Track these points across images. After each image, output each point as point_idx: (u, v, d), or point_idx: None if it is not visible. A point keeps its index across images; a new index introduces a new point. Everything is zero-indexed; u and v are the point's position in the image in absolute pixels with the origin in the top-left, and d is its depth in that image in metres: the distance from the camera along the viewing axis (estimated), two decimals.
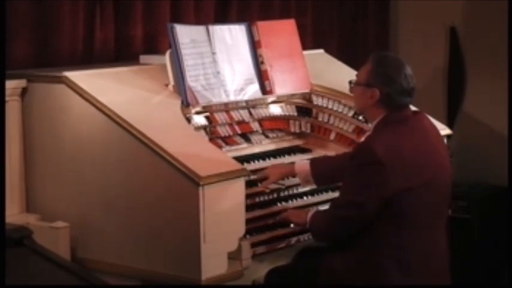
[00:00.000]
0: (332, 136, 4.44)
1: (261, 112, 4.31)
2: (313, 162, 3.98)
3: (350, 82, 3.79)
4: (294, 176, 4.02)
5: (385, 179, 3.47)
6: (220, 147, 4.04)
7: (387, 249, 3.52)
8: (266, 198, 3.98)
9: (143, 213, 3.62)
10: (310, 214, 3.74)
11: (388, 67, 3.62)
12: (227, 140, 4.15)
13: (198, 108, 4.03)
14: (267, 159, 4.16)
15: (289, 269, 3.84)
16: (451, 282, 3.74)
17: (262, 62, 4.29)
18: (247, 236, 3.71)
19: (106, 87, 3.85)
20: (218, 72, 4.10)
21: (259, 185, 3.97)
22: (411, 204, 3.51)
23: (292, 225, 3.89)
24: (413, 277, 3.54)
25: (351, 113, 4.36)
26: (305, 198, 4.15)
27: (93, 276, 3.12)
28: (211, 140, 4.05)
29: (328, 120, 4.42)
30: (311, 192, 4.16)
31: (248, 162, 4.05)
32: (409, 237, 3.53)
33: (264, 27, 4.34)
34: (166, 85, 4.01)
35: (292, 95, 4.43)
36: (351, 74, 4.63)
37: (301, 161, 4.01)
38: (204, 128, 4.06)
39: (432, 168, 3.57)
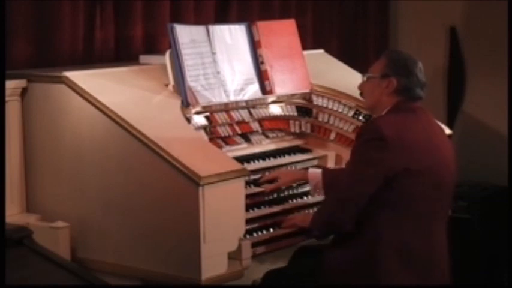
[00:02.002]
0: (332, 136, 4.44)
1: (261, 112, 4.31)
2: (325, 172, 3.98)
3: (363, 76, 3.80)
4: (305, 182, 4.05)
5: (387, 157, 3.50)
6: (220, 147, 4.04)
7: (386, 238, 3.51)
8: (266, 198, 3.98)
9: (143, 213, 3.62)
10: (312, 215, 3.75)
11: (405, 59, 3.73)
12: (227, 140, 4.15)
13: (198, 108, 4.03)
14: (267, 159, 4.16)
15: (287, 271, 3.84)
16: (452, 282, 3.74)
17: (262, 62, 4.29)
18: (247, 236, 3.71)
19: (106, 87, 3.85)
20: (218, 72, 4.10)
21: (263, 184, 3.99)
22: (409, 191, 3.52)
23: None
24: (413, 270, 3.54)
25: (351, 113, 4.36)
26: (305, 198, 4.15)
27: (93, 276, 3.12)
28: (211, 140, 4.04)
29: (328, 120, 4.42)
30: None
31: (248, 162, 4.04)
32: (408, 228, 3.53)
33: (264, 27, 4.34)
34: (166, 85, 4.01)
35: (292, 95, 4.43)
36: (351, 74, 4.65)
37: (314, 169, 4.03)
38: (204, 128, 4.06)
39: (434, 156, 3.59)
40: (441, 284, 3.66)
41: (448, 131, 4.55)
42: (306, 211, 4.00)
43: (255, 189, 3.96)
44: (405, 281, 3.53)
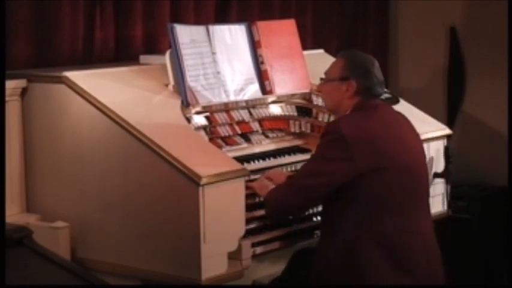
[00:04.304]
0: None
1: (261, 112, 4.31)
2: None
3: (321, 79, 3.84)
4: None
5: (348, 156, 3.53)
6: (220, 147, 4.04)
7: (364, 234, 3.52)
8: None
9: (143, 213, 3.62)
10: (268, 189, 3.77)
11: (362, 60, 3.76)
12: (227, 140, 4.15)
13: (198, 108, 4.03)
14: (267, 159, 4.15)
15: (288, 278, 3.87)
16: (446, 278, 3.74)
17: (262, 62, 4.29)
18: (248, 236, 3.70)
19: (106, 87, 3.85)
20: (218, 72, 4.10)
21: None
22: (383, 186, 3.54)
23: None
24: (398, 265, 3.54)
25: None
26: None
27: (93, 276, 3.12)
28: (211, 140, 4.04)
29: (328, 120, 4.41)
30: None
31: (248, 162, 4.04)
32: (386, 220, 3.54)
33: (264, 27, 4.34)
34: (166, 85, 4.01)
35: (292, 95, 4.43)
36: None
37: None
38: (204, 128, 4.06)
39: (400, 151, 3.61)
40: (432, 278, 3.65)
41: (448, 131, 4.56)
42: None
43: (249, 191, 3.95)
44: (390, 273, 3.52)
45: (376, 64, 3.75)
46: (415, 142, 3.74)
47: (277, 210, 3.77)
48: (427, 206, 3.74)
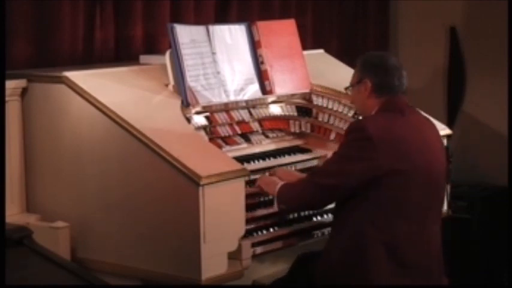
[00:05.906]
0: (332, 136, 4.43)
1: (261, 112, 4.31)
2: None
3: (346, 88, 3.88)
4: None
5: (372, 156, 3.52)
6: (220, 147, 4.04)
7: (374, 234, 3.52)
8: (266, 198, 3.98)
9: (143, 213, 3.62)
10: (279, 185, 3.77)
11: (373, 58, 3.77)
12: (227, 140, 4.15)
13: (198, 108, 4.03)
14: (267, 159, 4.15)
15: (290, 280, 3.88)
16: (448, 281, 3.74)
17: (262, 62, 4.29)
18: (248, 236, 3.70)
19: (106, 87, 3.85)
20: (218, 72, 4.10)
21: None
22: (401, 188, 3.53)
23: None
24: (406, 267, 3.54)
25: (351, 113, 4.36)
26: None
27: (93, 276, 3.12)
28: (211, 140, 4.05)
29: (328, 120, 4.42)
30: None
31: (248, 162, 4.04)
32: (397, 222, 3.54)
33: (264, 27, 4.34)
34: (166, 85, 4.01)
35: (292, 95, 4.43)
36: (350, 74, 4.63)
37: None
38: (204, 128, 4.06)
39: (423, 157, 3.60)
40: (433, 279, 3.65)
41: (448, 131, 4.56)
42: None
43: (255, 189, 3.95)
44: (391, 274, 3.52)
45: (391, 60, 3.74)
46: (438, 150, 3.72)
47: (295, 206, 3.81)
48: (439, 211, 3.74)
